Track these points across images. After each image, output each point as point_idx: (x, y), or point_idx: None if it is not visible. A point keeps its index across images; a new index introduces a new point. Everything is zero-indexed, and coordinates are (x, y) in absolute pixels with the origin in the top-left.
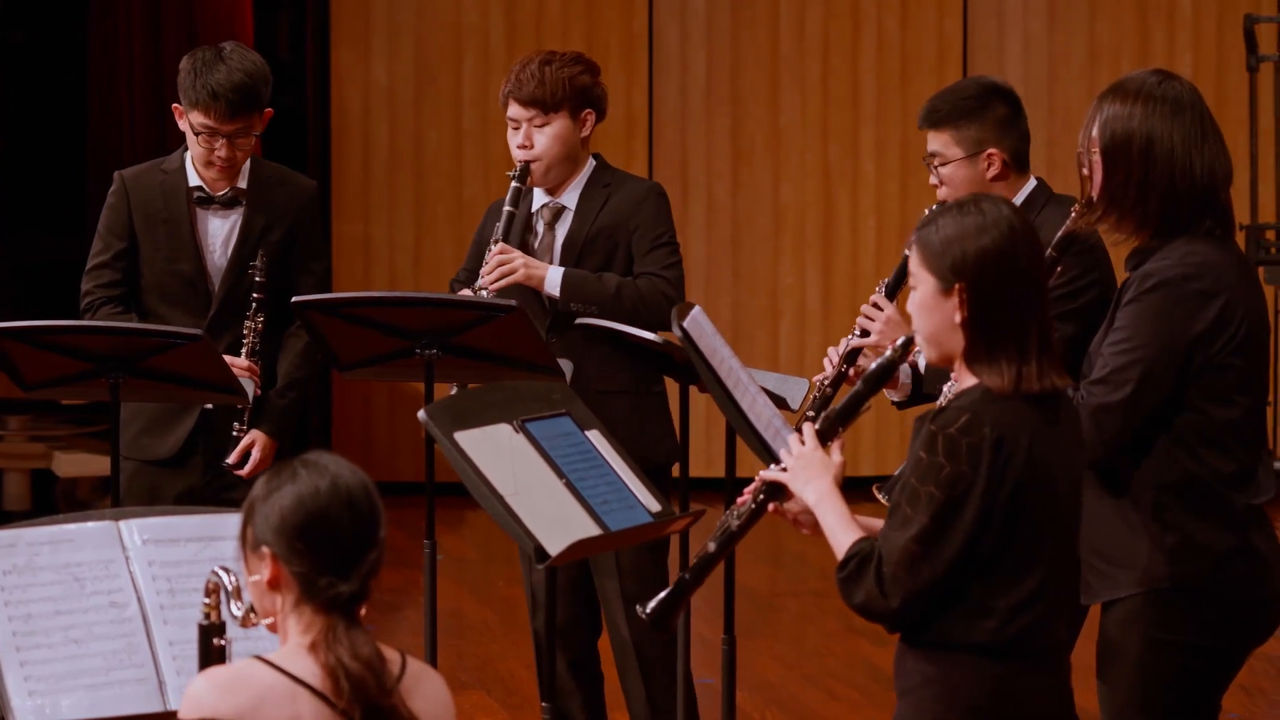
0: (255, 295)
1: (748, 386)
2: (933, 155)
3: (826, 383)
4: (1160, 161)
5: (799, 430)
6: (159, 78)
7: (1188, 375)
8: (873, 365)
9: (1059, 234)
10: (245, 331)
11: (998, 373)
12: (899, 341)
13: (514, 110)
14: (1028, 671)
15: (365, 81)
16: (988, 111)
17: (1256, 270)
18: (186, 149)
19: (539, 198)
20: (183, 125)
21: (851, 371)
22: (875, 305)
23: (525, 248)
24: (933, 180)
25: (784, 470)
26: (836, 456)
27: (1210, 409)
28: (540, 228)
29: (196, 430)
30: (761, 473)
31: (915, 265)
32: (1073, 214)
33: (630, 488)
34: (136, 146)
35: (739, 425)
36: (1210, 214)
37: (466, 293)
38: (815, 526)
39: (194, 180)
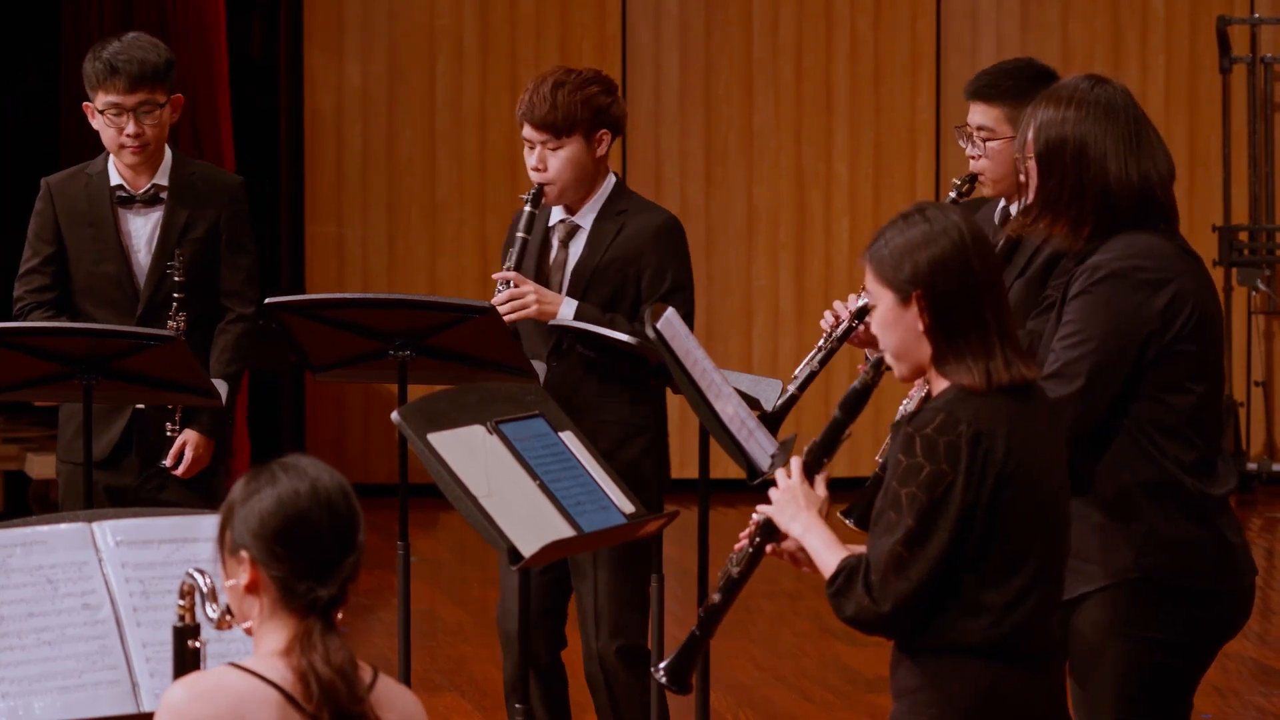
0: (175, 295)
1: (721, 388)
2: (980, 129)
3: (835, 335)
4: (1094, 165)
5: (786, 465)
6: None
7: (1143, 365)
8: (847, 391)
9: (1000, 242)
10: (169, 331)
11: (967, 371)
12: (870, 362)
13: (527, 132)
14: (1022, 673)
15: (338, 83)
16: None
17: (1201, 260)
18: (109, 151)
19: (556, 213)
20: (95, 123)
21: (861, 327)
22: None
23: (541, 262)
24: (972, 151)
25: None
26: (821, 490)
27: (1167, 398)
28: (555, 244)
29: (129, 430)
30: (754, 513)
31: (872, 284)
32: (1012, 220)
33: (604, 489)
34: None
35: (712, 427)
36: (1151, 212)
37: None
38: (811, 563)
39: (115, 180)
